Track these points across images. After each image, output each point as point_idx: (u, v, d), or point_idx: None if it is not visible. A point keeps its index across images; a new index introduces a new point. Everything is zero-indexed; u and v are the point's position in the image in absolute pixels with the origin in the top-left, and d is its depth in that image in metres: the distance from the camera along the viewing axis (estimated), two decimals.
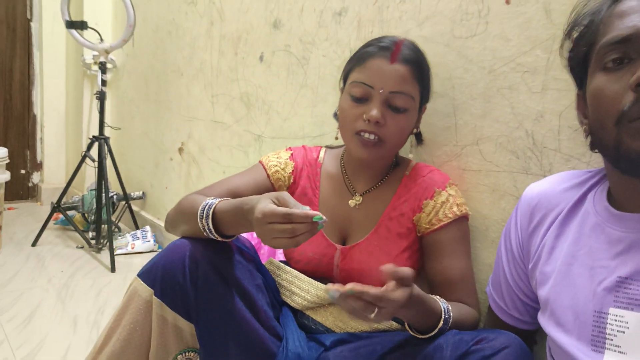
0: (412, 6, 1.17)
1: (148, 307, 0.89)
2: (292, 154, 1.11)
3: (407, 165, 1.05)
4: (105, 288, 1.94)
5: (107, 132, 2.47)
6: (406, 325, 0.85)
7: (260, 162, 1.10)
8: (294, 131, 1.57)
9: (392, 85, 0.93)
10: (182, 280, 0.87)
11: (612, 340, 0.63)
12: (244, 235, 1.40)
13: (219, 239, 0.89)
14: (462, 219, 0.98)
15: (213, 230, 0.87)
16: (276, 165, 1.08)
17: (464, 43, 1.06)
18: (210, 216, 0.87)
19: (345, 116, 0.97)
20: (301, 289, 1.01)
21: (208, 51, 2.01)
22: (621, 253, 0.65)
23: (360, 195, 1.04)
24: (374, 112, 0.92)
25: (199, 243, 0.90)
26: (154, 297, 0.89)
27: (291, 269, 1.05)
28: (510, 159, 0.98)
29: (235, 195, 1.00)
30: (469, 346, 0.75)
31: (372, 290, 0.71)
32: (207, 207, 0.87)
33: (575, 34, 0.71)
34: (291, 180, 1.09)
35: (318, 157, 1.11)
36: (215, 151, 2.01)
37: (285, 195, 0.79)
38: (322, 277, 1.04)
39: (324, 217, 0.75)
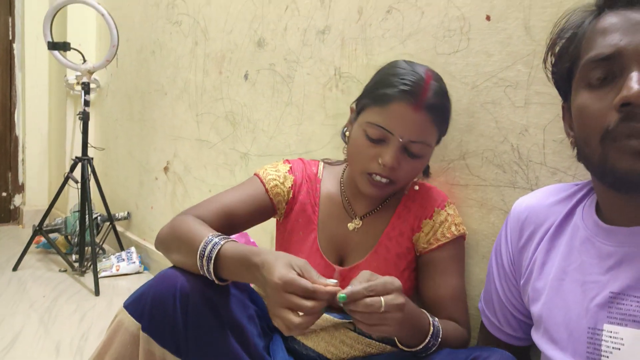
0: (394, 24, 1.18)
1: (135, 341, 0.84)
2: (291, 167, 1.06)
3: (407, 184, 1.02)
4: (89, 312, 1.89)
5: (91, 152, 2.44)
6: (396, 340, 0.84)
7: (256, 175, 1.05)
8: (280, 149, 1.57)
9: (413, 135, 0.88)
10: (173, 315, 0.82)
11: (607, 357, 0.62)
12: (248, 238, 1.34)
13: (217, 282, 0.84)
14: (460, 238, 0.98)
15: (213, 273, 0.82)
16: (275, 179, 1.03)
17: (447, 59, 1.07)
18: (213, 259, 0.81)
19: (357, 153, 0.93)
20: None
21: (192, 70, 2.01)
22: (612, 268, 0.64)
23: (360, 219, 1.02)
24: (390, 159, 0.88)
25: (191, 275, 0.85)
26: (141, 331, 0.84)
27: None
28: (497, 173, 0.98)
29: (231, 213, 0.97)
30: None
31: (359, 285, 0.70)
32: (210, 246, 0.81)
33: (557, 48, 0.71)
34: (290, 195, 1.04)
35: (317, 172, 1.07)
36: (201, 170, 2.00)
37: (308, 265, 0.73)
38: None
39: (346, 294, 0.70)
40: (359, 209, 1.03)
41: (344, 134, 1.02)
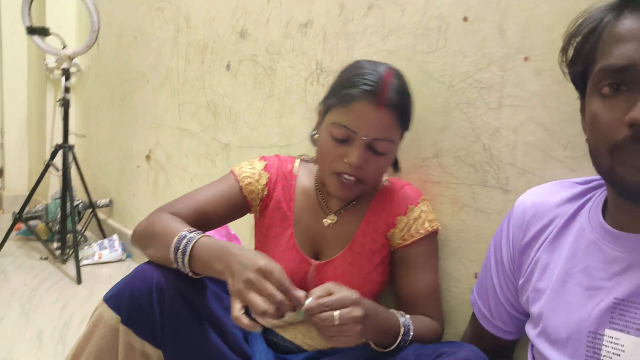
0: (375, 20, 1.20)
1: (114, 334, 0.87)
2: (266, 165, 1.08)
3: (380, 181, 1.05)
4: (72, 301, 1.90)
5: (72, 139, 2.41)
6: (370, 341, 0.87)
7: (232, 171, 1.07)
8: (261, 140, 1.58)
9: (376, 133, 0.90)
10: (149, 308, 0.85)
11: None
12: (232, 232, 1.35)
13: (192, 275, 0.86)
14: (433, 234, 1.01)
15: (188, 267, 0.84)
16: (249, 177, 1.05)
17: (425, 58, 1.09)
18: (188, 252, 0.83)
19: (324, 154, 0.95)
20: None
21: (174, 59, 2.00)
22: (618, 274, 0.63)
23: (335, 214, 1.04)
24: (355, 157, 0.90)
25: (167, 269, 0.88)
26: (120, 324, 0.86)
27: None
28: (469, 172, 1.01)
29: (205, 211, 0.99)
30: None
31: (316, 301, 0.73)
32: (185, 240, 0.84)
33: (574, 44, 0.67)
34: (265, 192, 1.06)
35: (293, 168, 1.09)
36: (182, 159, 2.00)
37: (284, 272, 0.76)
38: None
39: (303, 311, 0.73)
40: (333, 205, 1.05)
41: (312, 137, 1.03)
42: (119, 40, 2.43)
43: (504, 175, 0.95)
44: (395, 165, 1.06)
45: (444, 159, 1.05)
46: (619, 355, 0.60)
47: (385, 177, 1.06)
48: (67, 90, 2.35)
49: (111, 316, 0.86)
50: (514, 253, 0.78)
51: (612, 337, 0.61)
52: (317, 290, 0.76)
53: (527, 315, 0.80)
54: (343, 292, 0.75)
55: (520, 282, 0.77)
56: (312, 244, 1.04)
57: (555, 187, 0.76)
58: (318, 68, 1.36)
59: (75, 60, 2.65)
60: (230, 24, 1.68)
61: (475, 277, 1.01)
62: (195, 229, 0.87)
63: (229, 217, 1.05)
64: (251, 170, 1.07)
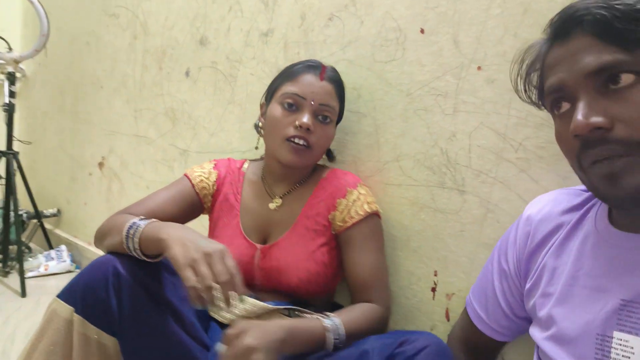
0: (335, 31, 1.24)
1: (69, 326, 0.87)
2: (215, 164, 1.17)
3: (324, 170, 1.13)
4: (15, 314, 1.80)
5: (17, 146, 2.31)
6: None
7: (185, 174, 1.14)
8: (221, 146, 1.58)
9: (321, 99, 1.04)
10: (105, 296, 0.86)
11: None
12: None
13: (145, 259, 0.90)
14: (373, 216, 1.05)
15: (139, 249, 0.88)
16: (200, 175, 1.13)
17: (383, 67, 1.14)
18: (138, 234, 0.88)
19: (276, 123, 1.04)
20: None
21: (131, 65, 1.97)
22: (624, 274, 0.63)
23: (280, 197, 1.10)
24: (306, 118, 1.02)
25: (124, 257, 0.90)
26: (74, 314, 0.86)
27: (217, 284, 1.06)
28: (428, 174, 1.07)
29: (161, 211, 1.04)
30: (393, 349, 0.81)
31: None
32: (137, 224, 0.89)
33: (530, 77, 0.72)
34: (215, 188, 1.14)
35: (242, 166, 1.19)
36: (138, 166, 1.96)
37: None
38: (245, 279, 1.05)
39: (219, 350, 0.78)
40: (278, 190, 1.12)
41: (257, 126, 1.15)
42: (70, 45, 2.36)
43: (460, 177, 1.01)
44: (330, 155, 1.19)
45: (404, 162, 1.10)
46: (629, 357, 0.60)
47: (330, 168, 1.13)
48: (12, 94, 2.25)
49: (65, 309, 0.87)
50: (520, 259, 0.79)
51: (621, 340, 0.61)
52: (231, 331, 0.79)
53: (525, 319, 0.82)
54: (240, 344, 0.76)
55: (527, 287, 0.77)
56: (259, 229, 1.09)
57: (562, 196, 0.77)
58: None
59: (21, 66, 2.55)
60: (189, 32, 1.69)
61: (435, 274, 1.06)
62: (148, 219, 0.92)
63: (183, 217, 1.10)
64: (202, 170, 1.16)
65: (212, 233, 1.13)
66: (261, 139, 1.14)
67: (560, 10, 0.64)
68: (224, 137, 1.57)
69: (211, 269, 0.77)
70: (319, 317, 0.89)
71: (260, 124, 1.14)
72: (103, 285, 0.86)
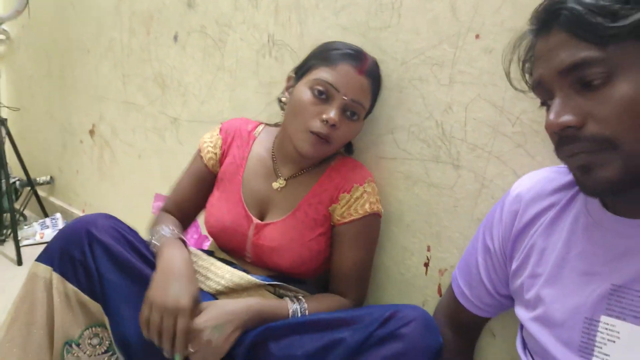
0: None
1: (48, 286, 0.90)
2: (220, 128, 1.15)
3: (334, 157, 1.08)
4: (11, 282, 1.81)
5: (4, 112, 2.26)
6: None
7: (199, 148, 1.15)
8: (212, 115, 1.54)
9: (355, 94, 0.97)
10: (82, 257, 0.90)
11: (601, 348, 0.61)
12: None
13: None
14: (373, 216, 1.02)
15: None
16: (208, 146, 1.13)
17: (378, 34, 1.09)
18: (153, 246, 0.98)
19: (302, 109, 0.97)
20: (216, 275, 1.01)
21: (117, 29, 1.89)
22: (615, 259, 0.62)
23: (285, 179, 1.07)
24: (333, 113, 0.95)
25: (98, 215, 0.95)
26: (53, 273, 0.89)
27: (209, 256, 1.07)
28: (422, 148, 1.04)
29: (187, 200, 1.13)
30: (374, 328, 0.81)
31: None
32: (154, 239, 0.98)
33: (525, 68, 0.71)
34: (221, 153, 1.13)
35: (254, 130, 1.14)
36: (128, 134, 1.92)
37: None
38: (234, 250, 1.07)
39: None
40: (285, 171, 1.08)
41: (280, 100, 1.07)
42: (55, 6, 2.27)
43: (455, 151, 0.99)
44: (349, 148, 1.11)
45: (399, 134, 1.07)
46: (614, 342, 0.60)
47: (339, 155, 1.08)
48: None
49: (44, 269, 0.90)
50: (507, 238, 0.78)
51: (608, 324, 0.61)
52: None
53: (508, 297, 0.82)
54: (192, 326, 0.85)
55: (514, 267, 0.76)
56: (259, 204, 1.07)
57: (552, 174, 0.75)
58: (270, 41, 1.34)
59: (4, 27, 2.46)
60: None
61: (428, 250, 1.05)
62: (170, 228, 1.00)
63: (206, 195, 1.14)
64: (210, 139, 1.14)
65: (214, 193, 1.11)
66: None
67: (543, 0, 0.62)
68: (215, 105, 1.53)
69: (162, 322, 0.83)
70: (288, 300, 0.95)
71: (284, 98, 1.06)
72: (79, 246, 0.90)
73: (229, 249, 1.09)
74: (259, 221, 1.05)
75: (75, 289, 0.90)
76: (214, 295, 1.03)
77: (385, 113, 1.09)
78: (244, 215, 1.05)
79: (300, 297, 0.98)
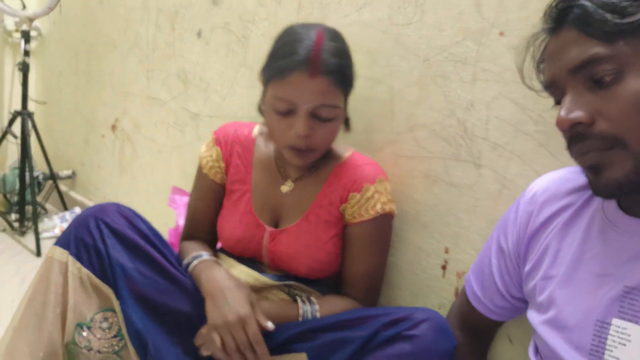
0: None
1: (64, 269, 0.91)
2: (215, 138, 1.09)
3: (341, 154, 1.04)
4: (31, 274, 1.83)
5: (32, 106, 2.31)
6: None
7: (200, 166, 1.11)
8: (233, 111, 1.55)
9: (316, 100, 0.89)
10: (90, 239, 0.91)
11: (611, 351, 0.60)
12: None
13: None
14: (385, 217, 0.99)
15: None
16: (209, 162, 1.09)
17: (401, 30, 1.07)
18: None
19: (272, 129, 0.95)
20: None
21: (144, 24, 1.92)
22: (629, 261, 0.61)
23: (292, 181, 1.04)
24: (301, 128, 0.89)
25: (106, 203, 0.97)
26: (69, 257, 0.91)
27: (227, 256, 1.06)
28: (443, 146, 1.02)
29: (204, 220, 1.11)
30: (399, 315, 0.81)
31: None
32: (190, 262, 0.98)
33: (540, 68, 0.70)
34: (224, 165, 1.08)
35: (251, 132, 1.09)
36: (150, 128, 1.94)
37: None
38: (252, 257, 1.06)
39: None
40: (291, 173, 1.05)
41: (259, 109, 1.02)
42: (84, 2, 2.32)
43: (476, 149, 0.96)
44: (347, 124, 1.02)
45: (419, 132, 1.05)
46: (625, 345, 0.59)
47: (349, 152, 1.04)
48: (26, 53, 2.24)
49: (60, 252, 0.92)
50: (521, 239, 0.76)
51: (619, 327, 0.60)
52: None
53: (520, 300, 0.80)
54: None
55: (527, 268, 0.75)
56: (271, 210, 1.05)
57: (570, 174, 0.74)
58: None
59: (36, 24, 2.52)
60: None
61: (446, 251, 1.02)
62: (199, 254, 0.99)
63: (219, 207, 1.11)
64: (208, 152, 1.10)
65: (224, 205, 1.09)
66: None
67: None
68: (236, 102, 1.53)
69: (234, 339, 0.84)
70: (299, 301, 0.96)
71: (263, 107, 0.99)
72: (88, 230, 0.92)
73: (246, 257, 1.06)
74: (272, 228, 1.03)
75: (89, 272, 0.91)
76: None
77: (405, 110, 1.07)
78: (257, 224, 1.03)
79: (312, 298, 0.97)
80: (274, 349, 0.89)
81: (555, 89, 0.62)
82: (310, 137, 0.91)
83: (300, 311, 0.93)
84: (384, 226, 1.01)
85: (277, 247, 1.01)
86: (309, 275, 1.01)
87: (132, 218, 0.96)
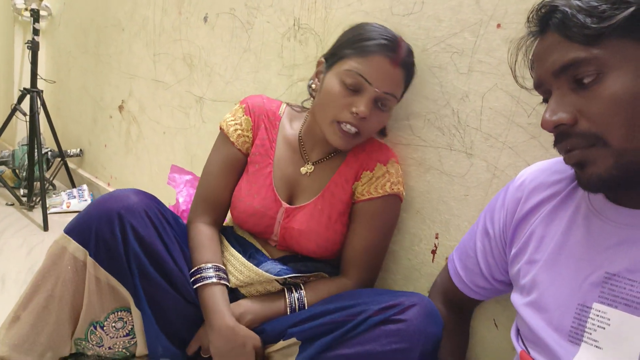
0: None
1: (81, 267, 0.90)
2: (245, 107, 1.10)
3: None
4: (37, 247, 1.89)
5: (41, 85, 2.34)
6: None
7: (221, 129, 1.10)
8: (236, 95, 1.57)
9: (388, 87, 0.94)
10: (112, 239, 0.89)
11: (590, 334, 0.62)
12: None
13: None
14: (393, 197, 1.02)
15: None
16: (237, 129, 1.08)
17: (400, 20, 1.09)
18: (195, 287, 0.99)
19: (331, 101, 0.95)
20: (235, 269, 1.02)
21: (151, 8, 1.94)
22: (611, 247, 0.63)
23: (313, 164, 1.07)
24: (364, 107, 0.93)
25: (130, 193, 0.94)
26: (88, 257, 0.90)
27: (229, 245, 1.07)
28: (437, 135, 1.04)
29: (221, 194, 1.08)
30: (390, 300, 0.83)
31: None
32: (198, 277, 0.98)
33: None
34: (251, 135, 1.09)
35: (278, 110, 1.11)
36: (156, 110, 1.97)
37: None
38: (262, 233, 1.07)
39: None
40: (313, 156, 1.08)
41: (310, 87, 1.05)
42: None
43: (469, 140, 0.98)
44: (383, 131, 1.09)
45: (414, 121, 1.08)
46: (604, 328, 0.61)
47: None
48: (36, 32, 2.27)
49: (76, 248, 0.90)
50: (508, 224, 0.78)
51: (599, 311, 0.62)
52: None
53: (501, 282, 0.83)
54: None
55: (513, 252, 0.77)
56: (288, 188, 1.07)
57: (559, 164, 0.76)
58: (295, 25, 1.35)
59: (46, 3, 2.55)
60: None
61: (437, 237, 1.05)
62: (211, 266, 0.99)
63: (238, 179, 1.10)
64: (235, 121, 1.09)
65: (244, 177, 1.09)
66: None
67: (538, 3, 0.64)
68: (239, 86, 1.56)
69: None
70: (286, 290, 0.99)
71: (313, 85, 1.03)
72: (111, 230, 0.89)
73: (254, 232, 1.08)
74: (289, 205, 1.05)
75: (107, 274, 0.91)
76: (236, 288, 1.04)
77: (402, 99, 1.09)
78: (274, 199, 1.05)
79: (300, 284, 1.00)
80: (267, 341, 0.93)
81: (542, 89, 0.65)
82: (365, 119, 0.95)
83: (288, 300, 0.97)
84: (390, 206, 1.03)
85: (290, 224, 1.03)
86: (316, 254, 1.03)
87: (159, 223, 0.95)
